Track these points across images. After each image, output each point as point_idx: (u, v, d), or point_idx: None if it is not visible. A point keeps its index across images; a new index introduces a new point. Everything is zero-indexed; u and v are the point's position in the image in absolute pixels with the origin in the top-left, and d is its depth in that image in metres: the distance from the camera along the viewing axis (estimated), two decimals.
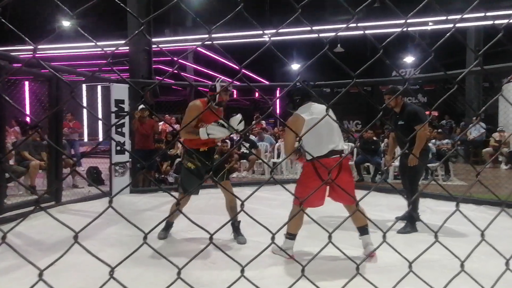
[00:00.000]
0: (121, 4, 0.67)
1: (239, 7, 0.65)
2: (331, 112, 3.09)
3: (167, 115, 10.57)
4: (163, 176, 7.26)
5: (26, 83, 9.44)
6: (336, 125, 3.12)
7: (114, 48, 0.89)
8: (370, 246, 3.05)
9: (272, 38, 0.70)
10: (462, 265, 0.82)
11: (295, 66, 17.26)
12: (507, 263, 0.86)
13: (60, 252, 2.80)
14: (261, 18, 13.75)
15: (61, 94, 5.45)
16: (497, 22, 9.40)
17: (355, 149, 8.16)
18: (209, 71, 18.13)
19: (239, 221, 3.65)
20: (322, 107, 3.10)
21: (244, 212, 0.71)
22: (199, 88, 6.86)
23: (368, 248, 3.06)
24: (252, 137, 9.78)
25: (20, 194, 6.25)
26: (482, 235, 0.83)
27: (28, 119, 8.03)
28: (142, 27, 0.64)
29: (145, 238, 0.69)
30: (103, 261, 0.65)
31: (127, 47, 8.30)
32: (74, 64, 14.60)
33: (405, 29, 0.82)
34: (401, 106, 4.13)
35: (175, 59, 0.76)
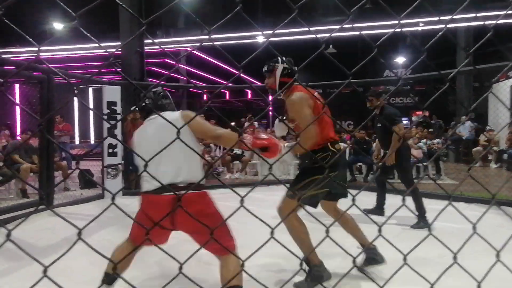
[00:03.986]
0: (121, 4, 0.69)
1: (238, 7, 0.67)
2: (173, 126, 1.70)
3: None
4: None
5: (17, 85, 9.36)
6: (181, 146, 1.70)
7: (114, 50, 0.90)
8: None
9: (269, 39, 0.71)
10: (455, 257, 0.85)
11: None
12: (497, 255, 0.89)
13: (52, 255, 2.81)
14: (254, 19, 13.80)
15: (52, 97, 5.42)
16: (487, 22, 9.58)
17: (347, 149, 8.23)
18: (201, 72, 18.13)
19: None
20: (173, 115, 2.06)
21: (244, 207, 0.72)
22: (191, 89, 6.85)
23: None
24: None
25: (11, 197, 6.18)
26: (474, 228, 0.85)
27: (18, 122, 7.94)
28: (144, 27, 0.66)
29: (147, 234, 0.71)
30: (108, 258, 0.66)
31: (120, 49, 8.26)
32: (65, 66, 14.48)
33: (398, 29, 0.85)
34: (380, 108, 4.31)
35: (175, 63, 0.77)
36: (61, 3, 0.62)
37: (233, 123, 11.14)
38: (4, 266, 2.93)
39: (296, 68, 2.46)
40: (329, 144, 2.52)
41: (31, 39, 0.60)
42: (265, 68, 2.65)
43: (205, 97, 23.44)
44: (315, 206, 2.57)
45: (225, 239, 1.96)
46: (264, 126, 14.20)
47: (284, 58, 2.39)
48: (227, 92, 20.27)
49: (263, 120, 16.42)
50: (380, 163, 5.12)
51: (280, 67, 2.55)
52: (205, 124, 2.08)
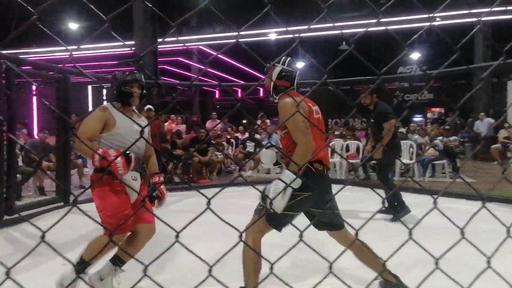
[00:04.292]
0: (151, 6, 0.68)
1: (267, 7, 0.66)
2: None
3: (172, 116, 10.59)
4: (169, 176, 7.30)
5: (33, 85, 9.54)
6: None
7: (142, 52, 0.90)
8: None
9: (301, 35, 0.71)
10: (488, 262, 0.82)
11: (299, 64, 17.24)
12: None
13: (69, 252, 2.82)
14: (266, 15, 13.78)
15: (68, 96, 5.51)
16: None
17: (361, 147, 8.16)
18: (214, 70, 18.16)
19: None
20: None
21: (272, 210, 0.71)
22: (203, 88, 6.87)
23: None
24: (257, 136, 9.79)
25: (29, 195, 6.31)
26: (508, 231, 0.83)
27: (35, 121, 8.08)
28: (173, 29, 0.65)
29: (177, 236, 0.70)
30: (138, 260, 0.66)
31: (133, 48, 8.33)
32: (80, 65, 14.66)
33: (432, 23, 0.82)
34: (374, 104, 4.46)
35: (202, 67, 0.77)
36: (92, 6, 0.62)
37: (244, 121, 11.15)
38: (25, 261, 2.98)
39: (297, 71, 2.34)
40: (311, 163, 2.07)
41: (62, 42, 0.60)
42: (266, 68, 2.50)
43: (217, 95, 23.51)
44: (279, 228, 2.02)
45: (102, 219, 2.14)
46: (276, 124, 14.16)
47: (287, 59, 2.30)
48: (239, 90, 20.30)
49: (275, 118, 16.38)
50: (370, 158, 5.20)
51: (277, 69, 2.26)
52: (83, 125, 2.29)
